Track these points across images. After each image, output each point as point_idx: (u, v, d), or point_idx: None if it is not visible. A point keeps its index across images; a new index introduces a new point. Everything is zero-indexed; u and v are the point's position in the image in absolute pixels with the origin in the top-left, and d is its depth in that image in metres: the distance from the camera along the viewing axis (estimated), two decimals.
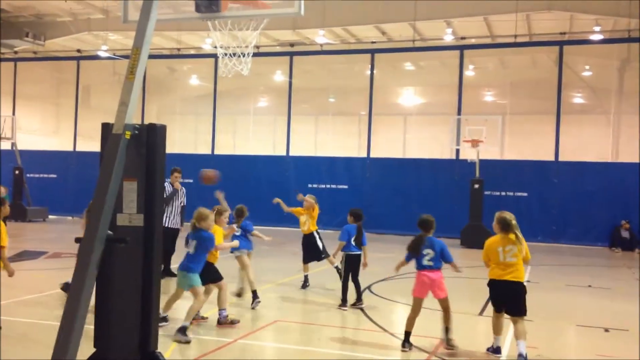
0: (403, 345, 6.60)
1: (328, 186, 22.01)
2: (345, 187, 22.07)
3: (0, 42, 23.56)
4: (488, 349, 6.54)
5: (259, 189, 22.06)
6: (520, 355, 6.09)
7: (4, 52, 25.55)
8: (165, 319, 7.06)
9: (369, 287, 10.11)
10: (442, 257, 6.67)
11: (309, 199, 10.17)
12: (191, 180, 22.59)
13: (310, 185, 21.83)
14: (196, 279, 6.84)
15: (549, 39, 21.34)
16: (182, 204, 10.95)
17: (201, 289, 6.96)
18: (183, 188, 11.06)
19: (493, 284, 6.42)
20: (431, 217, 6.82)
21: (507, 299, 6.37)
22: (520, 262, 6.30)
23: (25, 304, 8.32)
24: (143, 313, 4.64)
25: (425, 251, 6.62)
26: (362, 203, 18.51)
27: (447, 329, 6.66)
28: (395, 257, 15.10)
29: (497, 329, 6.51)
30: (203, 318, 7.48)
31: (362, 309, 8.52)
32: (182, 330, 6.57)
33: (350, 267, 8.66)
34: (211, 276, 7.30)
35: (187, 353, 6.28)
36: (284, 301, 9.25)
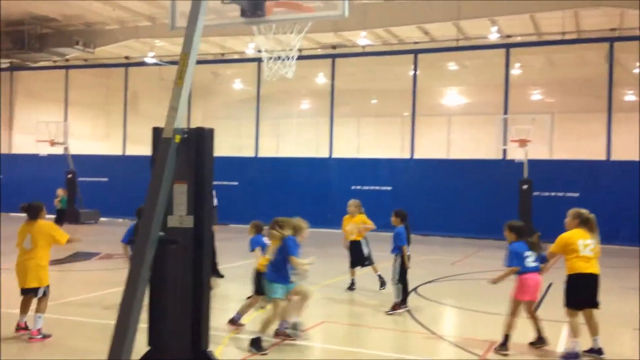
0: (500, 348, 6.42)
1: (371, 188, 21.92)
2: (389, 188, 21.94)
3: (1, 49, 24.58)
4: (565, 356, 6.26)
5: (302, 191, 22.18)
6: (600, 350, 6.10)
7: (56, 60, 26.50)
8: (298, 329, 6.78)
9: (415, 289, 10.03)
10: (539, 259, 6.61)
11: (352, 204, 10.06)
12: (236, 183, 23.03)
13: (353, 187, 21.81)
14: (277, 289, 6.65)
15: (598, 35, 20.71)
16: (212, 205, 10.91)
17: (280, 301, 6.70)
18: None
19: (578, 278, 6.23)
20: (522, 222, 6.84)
21: (590, 291, 6.24)
22: (596, 256, 6.31)
23: (78, 304, 8.59)
24: (194, 312, 4.74)
25: (526, 253, 6.53)
26: (406, 204, 18.26)
27: (540, 330, 6.57)
28: (440, 259, 15.02)
29: (576, 331, 6.24)
30: (241, 325, 7.35)
31: (408, 311, 8.45)
32: (257, 342, 6.40)
33: (405, 269, 8.57)
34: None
35: (235, 353, 6.36)
36: (330, 302, 9.26)
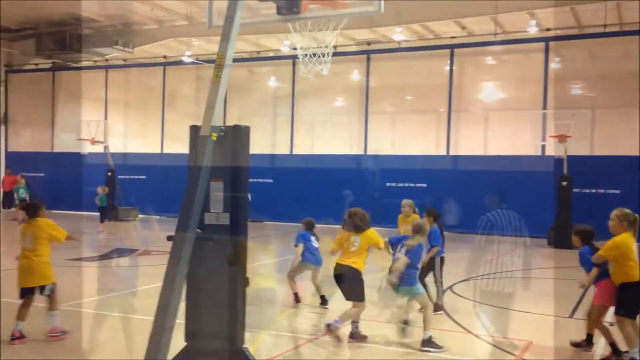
0: (616, 354, 6.22)
1: (406, 185, 21.77)
2: (424, 185, 21.75)
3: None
4: None
5: (337, 187, 22.16)
6: None
7: (96, 60, 27.12)
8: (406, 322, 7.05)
9: (450, 288, 9.93)
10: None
11: (406, 204, 9.72)
12: (270, 180, 23.17)
13: (388, 184, 21.69)
14: (419, 289, 6.89)
15: None
16: None
17: (425, 297, 6.91)
18: None
19: (634, 286, 5.95)
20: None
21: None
22: None
23: (118, 299, 8.77)
24: (230, 309, 4.78)
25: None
26: (441, 202, 18.16)
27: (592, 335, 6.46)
28: (475, 257, 14.79)
29: (634, 340, 5.97)
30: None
31: (443, 310, 8.37)
32: (429, 341, 6.55)
33: (442, 269, 8.48)
34: (355, 291, 6.96)
35: (271, 348, 6.40)
36: (368, 299, 9.20)
